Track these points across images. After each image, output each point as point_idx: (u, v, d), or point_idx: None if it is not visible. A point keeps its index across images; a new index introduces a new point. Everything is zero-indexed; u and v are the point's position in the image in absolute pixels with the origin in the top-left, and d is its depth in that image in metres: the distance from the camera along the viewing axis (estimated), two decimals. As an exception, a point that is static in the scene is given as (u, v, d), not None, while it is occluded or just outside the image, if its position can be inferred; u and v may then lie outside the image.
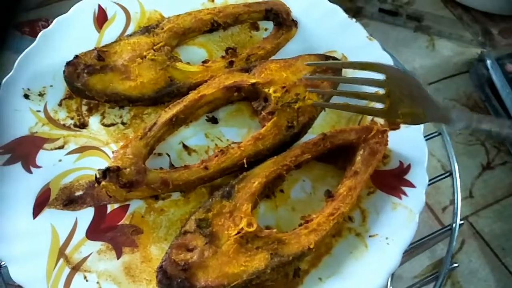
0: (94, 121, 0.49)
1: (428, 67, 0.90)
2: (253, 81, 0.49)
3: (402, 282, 0.47)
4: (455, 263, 0.49)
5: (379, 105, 0.46)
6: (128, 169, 0.43)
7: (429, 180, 0.48)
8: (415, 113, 0.45)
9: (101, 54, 0.49)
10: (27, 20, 0.78)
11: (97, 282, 0.41)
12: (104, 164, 0.47)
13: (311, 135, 0.49)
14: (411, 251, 0.48)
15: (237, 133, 0.50)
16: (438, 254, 0.80)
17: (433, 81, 0.89)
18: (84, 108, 0.50)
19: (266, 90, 0.49)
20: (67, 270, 0.41)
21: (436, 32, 0.94)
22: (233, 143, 0.49)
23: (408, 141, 0.49)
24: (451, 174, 0.52)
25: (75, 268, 0.41)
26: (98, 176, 0.43)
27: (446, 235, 0.52)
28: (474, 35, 0.93)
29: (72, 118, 0.49)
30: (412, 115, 0.45)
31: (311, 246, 0.42)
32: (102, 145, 0.48)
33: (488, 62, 0.83)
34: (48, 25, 0.52)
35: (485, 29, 0.93)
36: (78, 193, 0.45)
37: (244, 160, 0.46)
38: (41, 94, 0.49)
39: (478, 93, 0.88)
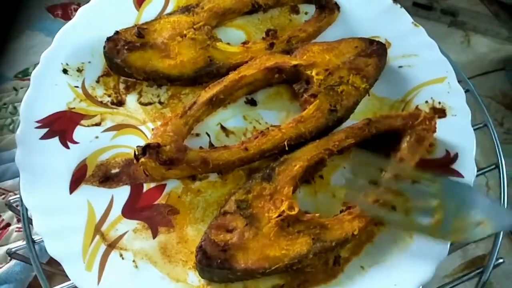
0: (131, 100, 0.48)
1: (463, 63, 0.87)
2: (295, 62, 0.48)
3: (432, 280, 0.45)
4: (501, 258, 0.47)
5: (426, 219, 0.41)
6: (168, 146, 0.42)
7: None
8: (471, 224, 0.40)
9: (141, 31, 0.48)
10: (59, 4, 0.78)
11: (133, 261, 0.40)
12: (140, 142, 0.46)
13: (352, 121, 0.48)
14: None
15: (275, 116, 0.49)
16: (470, 253, 0.78)
17: (467, 77, 0.87)
18: (121, 86, 0.49)
19: (309, 72, 0.47)
20: (103, 247, 0.40)
21: (472, 28, 0.91)
22: (272, 126, 0.48)
23: (455, 130, 0.48)
24: (497, 166, 0.50)
25: (111, 246, 0.40)
26: (137, 152, 0.42)
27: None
28: (511, 31, 0.90)
29: (109, 96, 0.48)
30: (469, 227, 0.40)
31: (355, 233, 0.41)
32: (139, 123, 0.47)
33: (528, 59, 0.81)
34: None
35: (522, 26, 0.90)
36: (114, 171, 0.44)
37: (285, 143, 0.44)
38: (79, 70, 0.48)
39: (515, 91, 0.85)
